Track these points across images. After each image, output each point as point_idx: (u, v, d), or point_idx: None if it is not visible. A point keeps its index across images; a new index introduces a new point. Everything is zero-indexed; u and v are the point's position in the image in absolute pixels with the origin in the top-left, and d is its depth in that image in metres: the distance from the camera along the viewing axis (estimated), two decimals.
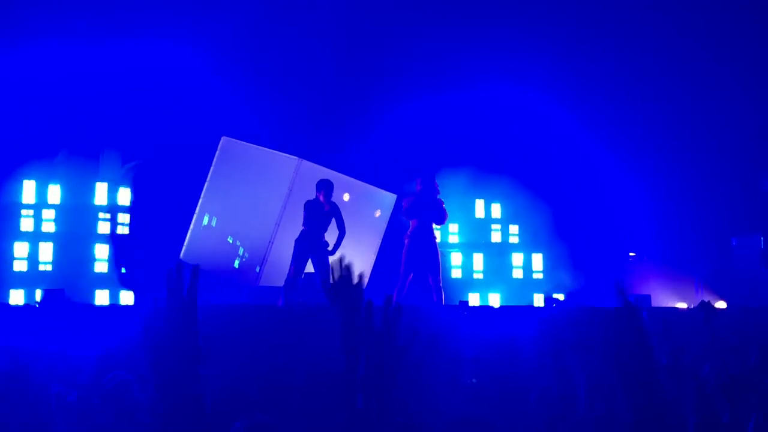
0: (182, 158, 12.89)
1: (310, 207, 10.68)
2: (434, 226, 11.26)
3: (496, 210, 14.00)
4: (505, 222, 13.95)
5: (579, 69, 13.57)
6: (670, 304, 12.42)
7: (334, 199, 10.97)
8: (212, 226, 12.35)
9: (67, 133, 12.49)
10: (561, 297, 13.45)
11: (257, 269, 11.81)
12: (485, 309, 10.41)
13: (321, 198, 10.71)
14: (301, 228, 10.69)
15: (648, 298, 11.14)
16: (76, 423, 3.82)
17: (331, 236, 10.82)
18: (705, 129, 13.75)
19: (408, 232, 11.10)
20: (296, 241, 10.67)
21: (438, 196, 11.15)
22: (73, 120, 12.41)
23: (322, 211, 10.67)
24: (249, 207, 12.08)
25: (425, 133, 13.39)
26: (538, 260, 13.85)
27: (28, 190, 12.28)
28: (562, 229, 13.61)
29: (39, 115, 12.19)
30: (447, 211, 11.23)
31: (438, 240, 11.79)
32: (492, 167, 13.63)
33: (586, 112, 13.61)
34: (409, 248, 10.96)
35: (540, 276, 13.80)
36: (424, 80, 13.42)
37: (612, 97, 13.74)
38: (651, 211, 13.84)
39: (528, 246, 13.86)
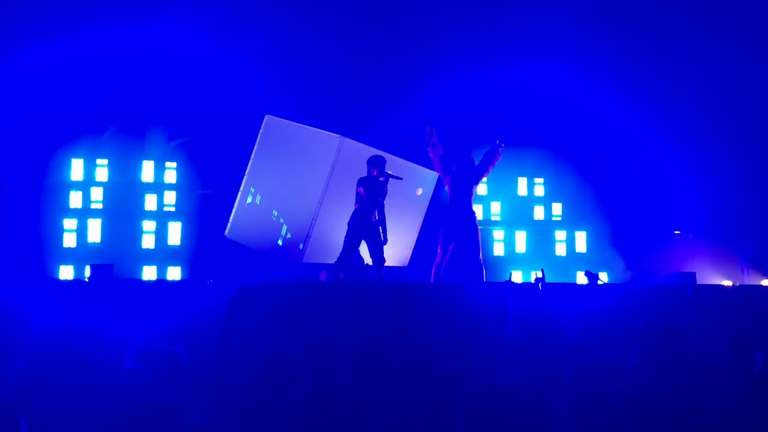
0: (227, 136, 13.03)
1: (366, 185, 10.34)
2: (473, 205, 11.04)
3: (539, 188, 13.94)
4: (548, 200, 13.90)
5: (624, 41, 13.39)
6: (715, 282, 12.29)
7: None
8: (256, 204, 12.47)
9: (113, 111, 12.68)
10: (605, 276, 13.38)
11: (300, 246, 11.90)
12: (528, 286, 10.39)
13: (375, 174, 10.38)
14: (353, 206, 10.40)
15: (693, 275, 11.04)
16: (127, 392, 3.93)
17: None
18: (754, 104, 13.52)
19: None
20: (350, 220, 10.38)
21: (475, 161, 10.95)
22: (120, 98, 12.59)
23: (378, 189, 10.34)
24: (292, 185, 12.17)
25: (466, 110, 13.35)
26: (581, 238, 13.78)
27: (77, 169, 12.50)
28: (606, 206, 13.51)
29: (86, 93, 12.37)
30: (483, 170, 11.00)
31: (480, 218, 11.74)
32: (535, 144, 13.56)
33: (632, 87, 13.44)
34: (446, 224, 10.82)
35: (583, 253, 13.73)
36: (464, 55, 13.34)
37: (658, 71, 13.54)
38: (697, 189, 13.67)
39: (571, 224, 13.79)
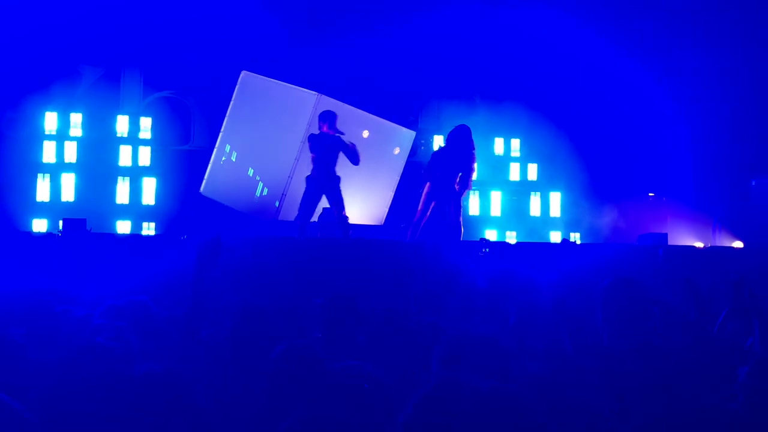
0: (203, 92, 12.91)
1: (314, 141, 10.33)
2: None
3: (516, 147, 13.94)
4: (524, 160, 13.92)
5: None
6: (687, 243, 12.44)
7: (353, 136, 10.79)
8: (232, 161, 12.42)
9: (88, 61, 12.52)
10: (577, 237, 13.50)
11: (276, 204, 11.89)
12: (503, 245, 10.47)
13: (325, 130, 10.38)
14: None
15: (665, 236, 11.17)
16: (98, 343, 3.94)
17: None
18: (729, 68, 13.57)
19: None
20: (307, 178, 10.42)
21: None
22: (95, 49, 12.42)
23: (327, 145, 10.30)
24: (268, 142, 12.12)
25: (441, 66, 13.27)
26: (556, 199, 13.85)
27: (50, 121, 12.35)
28: (582, 167, 13.56)
29: (59, 43, 12.17)
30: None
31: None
32: (511, 101, 13.53)
33: (610, 44, 13.34)
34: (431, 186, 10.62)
35: (558, 215, 13.82)
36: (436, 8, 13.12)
37: (637, 29, 13.47)
38: (671, 152, 13.76)
39: (546, 184, 13.85)
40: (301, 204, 10.47)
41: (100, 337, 3.94)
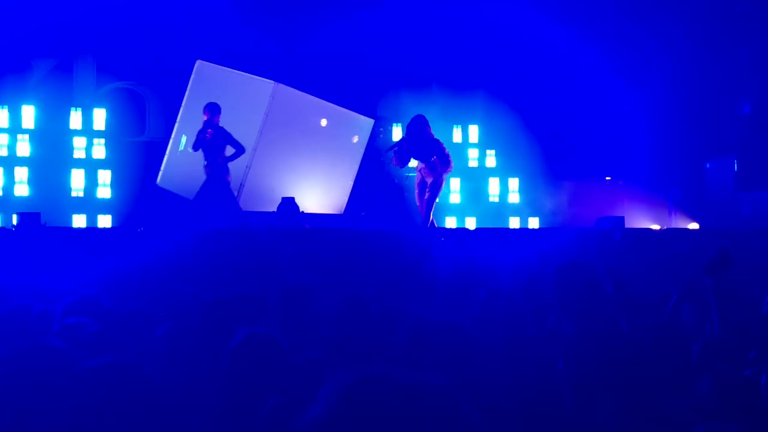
0: (158, 82, 12.75)
1: (198, 133, 10.50)
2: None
3: (474, 134, 14.01)
4: (482, 146, 13.98)
5: None
6: (644, 226, 12.59)
7: (311, 125, 10.74)
8: (189, 152, 12.28)
9: (40, 53, 12.29)
10: (535, 222, 13.60)
11: (234, 194, 11.79)
12: (461, 231, 10.50)
13: (206, 119, 10.44)
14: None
15: (622, 219, 11.29)
16: (57, 339, 3.87)
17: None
18: (682, 51, 13.73)
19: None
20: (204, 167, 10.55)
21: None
22: (46, 41, 12.19)
23: (199, 138, 10.45)
24: None
25: (399, 54, 13.25)
26: (514, 184, 13.94)
27: (2, 115, 12.11)
28: (540, 152, 13.66)
29: (9, 36, 11.94)
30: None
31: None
32: (468, 89, 13.57)
33: (568, 26, 13.41)
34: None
35: (516, 200, 13.90)
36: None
37: (594, 14, 13.57)
38: (627, 135, 13.90)
39: (505, 170, 13.92)
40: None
41: (58, 331, 3.89)
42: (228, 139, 10.44)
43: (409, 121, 10.52)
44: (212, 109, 10.44)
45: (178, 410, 2.65)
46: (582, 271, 3.78)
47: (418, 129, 10.30)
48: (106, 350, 3.26)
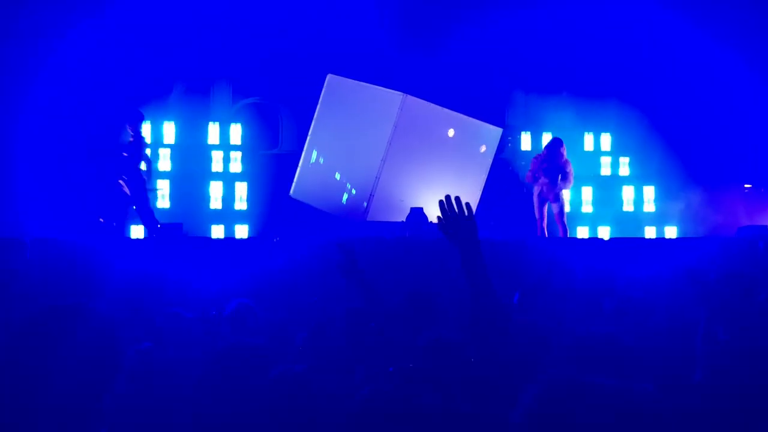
0: (290, 96, 13.08)
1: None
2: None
3: (606, 142, 13.71)
4: (615, 154, 13.67)
5: None
6: None
7: (439, 135, 10.80)
8: (320, 163, 12.53)
9: (179, 73, 12.82)
10: (673, 231, 13.18)
11: (364, 205, 11.94)
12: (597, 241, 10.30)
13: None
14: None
15: (765, 228, 10.80)
16: (202, 343, 4.02)
17: None
18: None
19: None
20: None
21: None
22: (185, 59, 12.70)
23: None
24: (355, 143, 12.17)
25: (529, 62, 13.12)
26: (650, 193, 13.54)
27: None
28: (676, 160, 13.23)
29: (152, 56, 12.49)
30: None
31: None
32: (600, 96, 13.30)
33: (704, 35, 12.97)
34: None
35: (652, 209, 13.51)
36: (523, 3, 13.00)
37: (731, 11, 13.04)
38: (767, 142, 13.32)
39: (639, 178, 13.56)
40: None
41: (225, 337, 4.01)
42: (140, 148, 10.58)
43: (548, 142, 11.44)
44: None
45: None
46: (740, 281, 3.64)
47: (554, 150, 11.23)
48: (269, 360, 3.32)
